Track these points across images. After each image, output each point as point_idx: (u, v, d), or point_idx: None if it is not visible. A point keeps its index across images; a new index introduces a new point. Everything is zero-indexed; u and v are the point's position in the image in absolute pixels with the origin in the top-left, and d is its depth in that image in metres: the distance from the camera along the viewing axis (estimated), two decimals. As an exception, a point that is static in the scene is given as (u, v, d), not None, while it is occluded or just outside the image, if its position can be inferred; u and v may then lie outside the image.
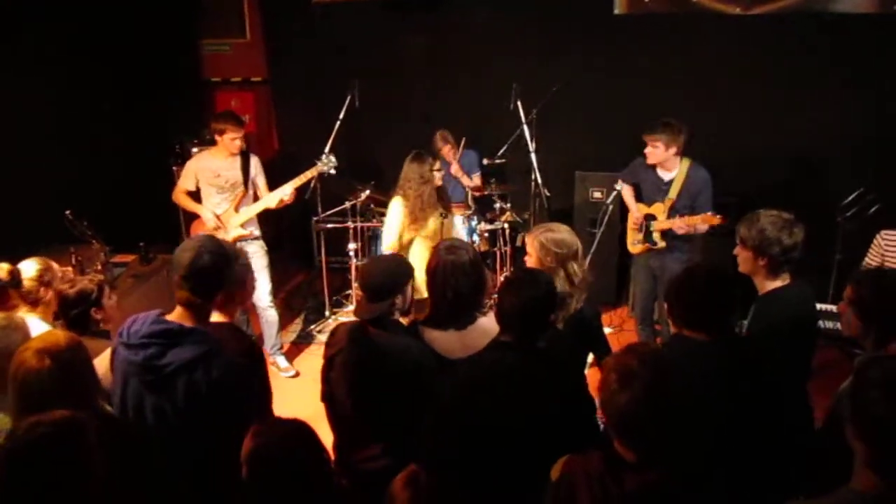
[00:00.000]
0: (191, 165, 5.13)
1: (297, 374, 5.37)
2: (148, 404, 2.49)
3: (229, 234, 5.00)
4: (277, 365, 5.33)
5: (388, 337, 2.83)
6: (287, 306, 6.52)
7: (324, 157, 5.30)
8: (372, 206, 6.17)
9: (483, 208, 6.13)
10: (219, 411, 2.47)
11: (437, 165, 4.84)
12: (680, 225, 4.61)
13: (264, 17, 7.21)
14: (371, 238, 6.22)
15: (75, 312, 3.03)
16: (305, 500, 2.05)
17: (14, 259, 3.20)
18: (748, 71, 6.13)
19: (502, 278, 5.14)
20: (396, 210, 4.77)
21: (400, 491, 1.95)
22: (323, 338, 5.85)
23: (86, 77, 5.92)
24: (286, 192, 5.09)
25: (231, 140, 4.94)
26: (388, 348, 2.79)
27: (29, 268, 3.14)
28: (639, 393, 1.87)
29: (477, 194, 6.25)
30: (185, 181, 5.12)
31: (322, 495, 2.07)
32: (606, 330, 5.88)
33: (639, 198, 4.98)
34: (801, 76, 6.01)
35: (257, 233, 5.21)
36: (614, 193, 5.00)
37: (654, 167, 4.79)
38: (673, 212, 4.70)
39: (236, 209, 5.08)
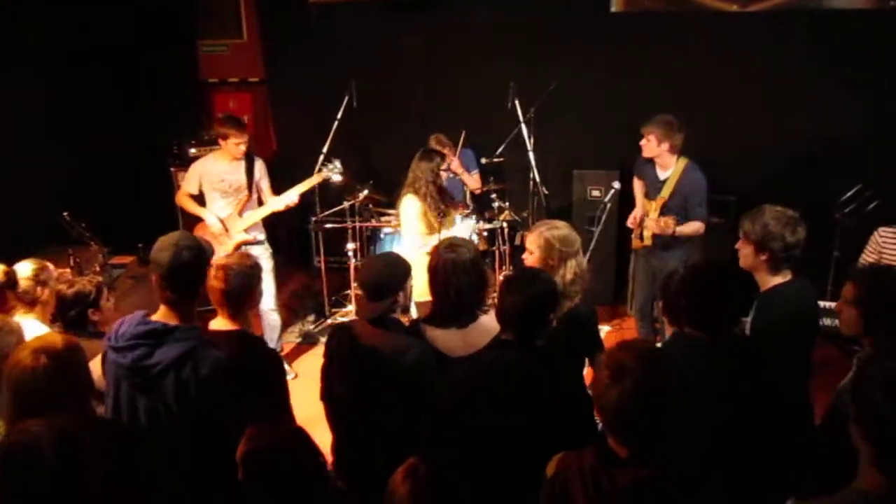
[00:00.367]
0: (194, 169, 5.11)
1: (295, 376, 5.37)
2: (141, 406, 2.50)
3: (233, 239, 4.98)
4: (277, 367, 5.32)
5: (388, 336, 2.83)
6: (286, 306, 6.50)
7: (329, 163, 5.27)
8: (370, 206, 6.16)
9: (481, 207, 6.12)
10: (210, 409, 2.47)
11: (445, 165, 4.79)
12: (652, 227, 4.63)
13: (261, 17, 7.20)
14: (369, 238, 6.21)
15: (73, 313, 3.04)
16: (301, 502, 2.05)
17: (12, 261, 3.20)
18: (745, 68, 6.13)
19: (501, 277, 5.13)
20: (412, 207, 4.73)
21: (399, 483, 1.96)
22: (322, 338, 5.85)
23: (84, 78, 5.92)
24: (293, 198, 5.09)
25: (235, 145, 4.92)
26: (387, 347, 2.79)
27: (24, 268, 3.14)
28: (630, 388, 1.88)
29: (476, 193, 6.25)
30: (189, 184, 5.09)
31: (318, 497, 2.07)
32: (605, 328, 5.93)
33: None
34: (798, 73, 6.01)
35: (262, 237, 5.19)
36: (612, 192, 5.00)
37: (654, 164, 4.79)
38: (665, 211, 4.69)
39: (240, 213, 5.06)
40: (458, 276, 2.88)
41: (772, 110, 6.13)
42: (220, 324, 2.85)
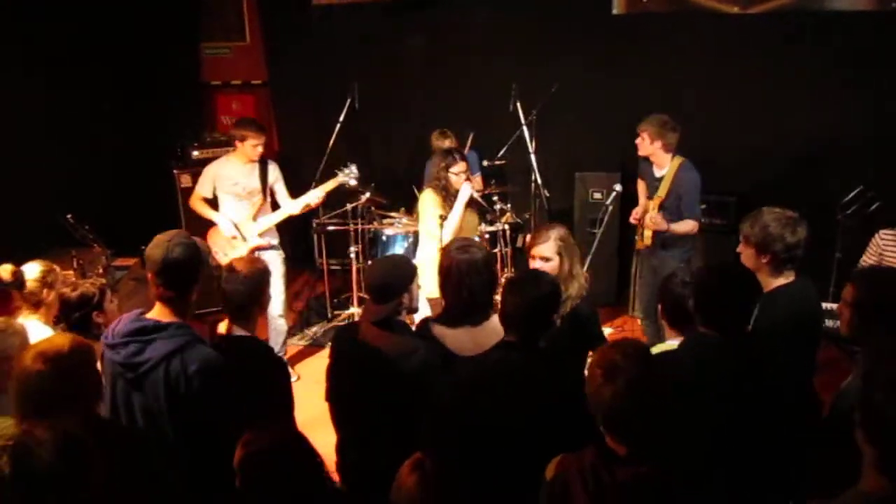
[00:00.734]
0: (208, 171, 5.07)
1: (298, 378, 5.37)
2: (136, 403, 2.51)
3: (248, 244, 4.97)
4: (281, 370, 5.32)
5: (394, 338, 2.84)
6: (288, 309, 6.51)
7: (346, 168, 5.22)
8: (372, 208, 6.17)
9: (483, 209, 6.12)
10: (201, 407, 2.48)
11: (457, 169, 4.66)
12: (646, 223, 4.67)
13: (263, 19, 7.22)
14: (372, 240, 6.22)
15: (77, 316, 3.05)
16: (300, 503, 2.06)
17: (16, 263, 3.21)
18: (746, 70, 6.13)
19: (503, 279, 5.14)
20: (430, 200, 4.70)
21: (406, 476, 1.98)
22: (325, 340, 5.86)
23: (87, 80, 5.94)
24: (311, 200, 5.07)
25: (253, 147, 4.90)
26: (393, 350, 2.79)
27: (32, 269, 3.16)
28: (623, 386, 1.91)
29: (477, 195, 6.24)
30: (203, 188, 5.06)
31: (316, 498, 2.08)
32: (608, 330, 5.92)
33: None
34: (799, 74, 6.00)
35: (276, 242, 5.17)
36: (613, 194, 5.00)
37: (651, 163, 4.82)
38: (662, 209, 4.71)
39: (254, 218, 5.04)
40: (471, 276, 2.90)
41: (773, 111, 6.13)
42: (227, 327, 2.87)
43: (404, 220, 5.99)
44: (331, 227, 6.25)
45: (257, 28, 7.26)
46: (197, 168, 6.10)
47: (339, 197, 6.03)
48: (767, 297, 3.00)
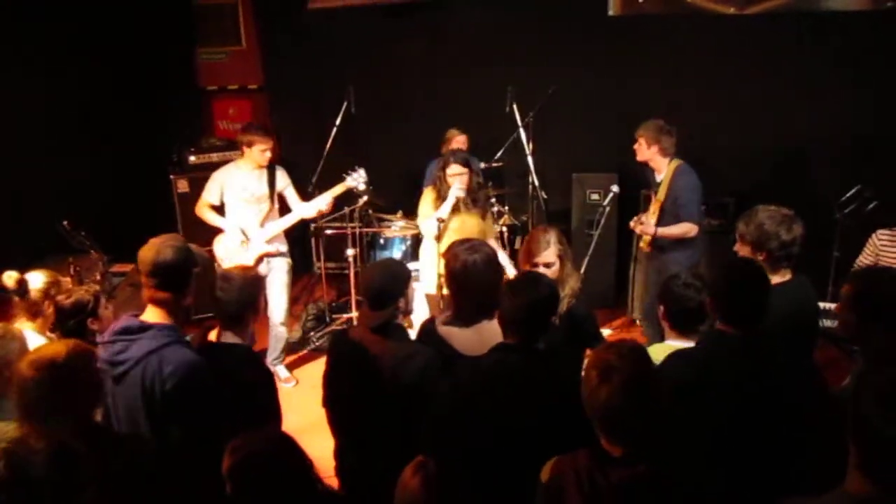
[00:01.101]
0: (216, 178, 5.03)
1: (296, 383, 5.36)
2: (119, 402, 2.53)
3: (256, 251, 4.94)
4: (278, 375, 5.29)
5: (391, 344, 2.83)
6: (290, 316, 6.49)
7: (354, 172, 5.17)
8: (370, 211, 6.16)
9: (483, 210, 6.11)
10: (175, 409, 2.48)
11: (451, 171, 4.60)
12: (637, 229, 4.73)
13: (259, 24, 7.21)
14: (369, 244, 6.21)
15: (71, 323, 3.05)
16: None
17: (14, 270, 3.20)
18: (743, 70, 6.13)
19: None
20: (424, 200, 4.73)
21: (410, 478, 1.99)
22: (322, 344, 5.85)
23: (82, 86, 5.92)
24: (323, 205, 5.05)
25: (261, 152, 4.87)
26: (390, 356, 2.79)
27: (36, 280, 3.14)
28: (618, 387, 1.91)
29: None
30: (210, 194, 5.01)
31: (307, 499, 2.07)
32: (606, 332, 5.92)
33: None
34: (796, 75, 6.01)
35: (284, 248, 5.15)
36: (610, 195, 5.02)
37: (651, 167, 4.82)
38: (662, 213, 4.71)
39: (262, 224, 5.00)
40: (479, 275, 2.92)
41: (770, 112, 6.13)
42: (217, 334, 2.87)
43: (402, 223, 5.98)
44: (329, 231, 6.24)
45: (253, 32, 7.25)
46: (194, 173, 6.12)
47: (336, 200, 6.02)
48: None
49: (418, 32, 6.84)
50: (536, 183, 5.83)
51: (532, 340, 2.54)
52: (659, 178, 4.78)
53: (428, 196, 4.72)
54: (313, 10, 6.85)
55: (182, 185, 6.16)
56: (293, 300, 6.82)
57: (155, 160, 6.52)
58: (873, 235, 4.58)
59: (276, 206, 5.09)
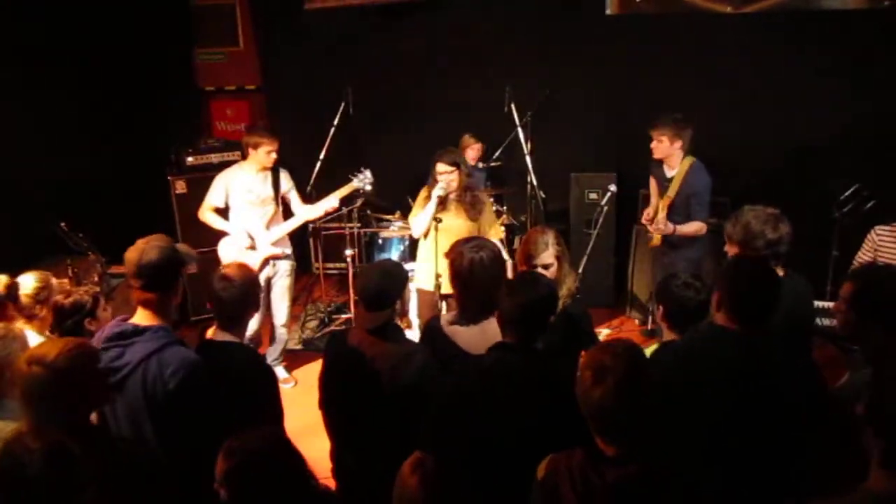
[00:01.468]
0: (220, 181, 4.98)
1: (295, 384, 5.36)
2: (119, 408, 2.52)
3: (261, 253, 4.92)
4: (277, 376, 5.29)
5: (389, 346, 2.83)
6: (291, 318, 6.48)
7: (360, 173, 5.14)
8: (368, 211, 6.16)
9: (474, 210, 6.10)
10: (179, 409, 2.47)
11: (438, 169, 4.63)
12: (651, 228, 4.72)
13: (257, 25, 7.21)
14: (368, 244, 6.21)
15: (69, 323, 3.05)
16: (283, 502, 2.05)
17: (11, 272, 3.19)
18: (740, 69, 6.13)
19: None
20: (420, 196, 4.76)
21: (408, 476, 1.98)
22: (321, 344, 5.85)
23: (80, 87, 5.92)
24: (329, 206, 5.04)
25: (267, 154, 4.84)
26: (387, 358, 2.78)
27: (27, 283, 3.14)
28: (611, 387, 1.91)
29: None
30: (214, 197, 4.96)
31: (300, 498, 2.07)
32: (605, 331, 5.92)
33: None
34: (793, 74, 6.01)
35: (289, 251, 5.12)
36: (608, 195, 5.02)
37: (662, 163, 4.82)
38: (672, 209, 4.71)
39: (267, 227, 4.98)
40: (486, 273, 2.94)
41: (767, 110, 6.13)
42: (213, 333, 2.86)
43: (400, 224, 5.98)
44: (327, 231, 6.23)
45: (251, 33, 7.24)
46: (192, 174, 6.10)
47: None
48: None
49: (416, 32, 6.84)
50: (535, 182, 5.83)
51: (530, 340, 2.55)
52: (670, 174, 4.78)
53: (421, 195, 4.74)
54: (311, 10, 6.84)
55: (180, 186, 6.15)
56: (293, 300, 6.85)
57: (153, 161, 6.51)
58: (872, 232, 4.58)
59: (280, 208, 5.07)
